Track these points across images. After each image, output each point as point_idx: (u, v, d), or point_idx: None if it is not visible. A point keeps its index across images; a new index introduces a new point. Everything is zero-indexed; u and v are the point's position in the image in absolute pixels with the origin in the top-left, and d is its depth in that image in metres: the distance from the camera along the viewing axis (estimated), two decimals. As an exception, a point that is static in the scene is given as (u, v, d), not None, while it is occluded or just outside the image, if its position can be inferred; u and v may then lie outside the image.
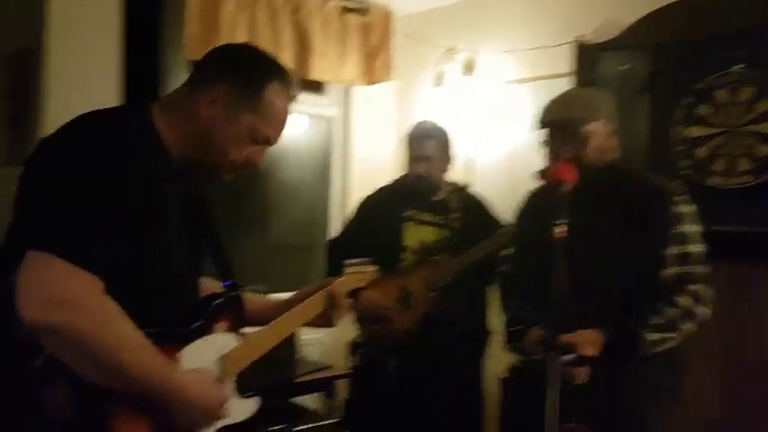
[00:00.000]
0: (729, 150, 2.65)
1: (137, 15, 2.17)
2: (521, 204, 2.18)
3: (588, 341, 1.75)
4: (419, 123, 2.75)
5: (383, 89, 3.97)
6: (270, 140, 1.40)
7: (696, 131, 2.74)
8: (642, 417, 1.82)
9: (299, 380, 2.99)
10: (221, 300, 1.43)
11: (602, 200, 1.89)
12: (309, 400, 3.39)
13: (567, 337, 1.69)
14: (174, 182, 1.32)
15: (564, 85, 3.19)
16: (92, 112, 1.29)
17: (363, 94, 3.96)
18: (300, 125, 4.00)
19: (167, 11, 1.98)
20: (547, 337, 1.59)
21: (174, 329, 1.30)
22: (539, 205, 2.07)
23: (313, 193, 4.07)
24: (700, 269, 1.84)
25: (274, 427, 2.79)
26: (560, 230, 1.66)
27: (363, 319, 2.56)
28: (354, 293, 2.49)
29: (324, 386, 3.20)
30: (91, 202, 1.13)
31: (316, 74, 3.57)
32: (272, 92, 1.35)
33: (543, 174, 1.93)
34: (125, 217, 1.17)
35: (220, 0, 3.16)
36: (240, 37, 3.28)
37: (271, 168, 3.92)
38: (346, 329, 3.81)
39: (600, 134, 1.90)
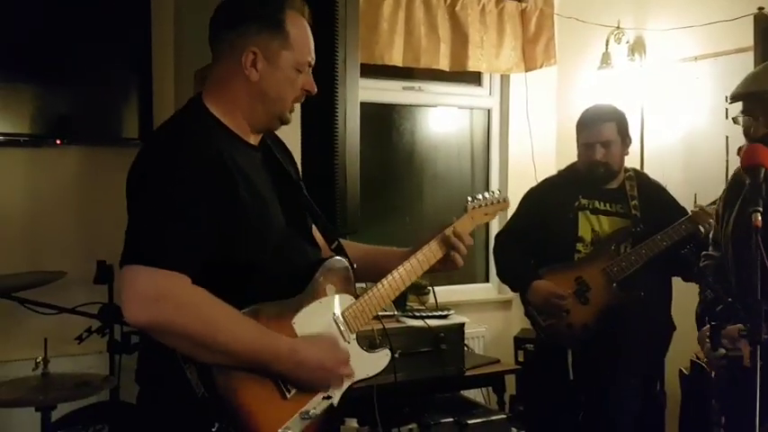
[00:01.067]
0: None
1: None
2: (726, 187, 2.02)
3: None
4: (593, 107, 2.63)
5: (544, 75, 3.87)
6: (311, 63, 1.43)
7: None
8: None
9: (467, 373, 2.99)
10: (326, 263, 1.45)
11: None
12: (478, 395, 3.39)
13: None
14: (244, 152, 1.38)
15: (745, 60, 2.92)
16: (158, 129, 1.42)
17: (523, 82, 3.88)
18: (455, 117, 4.00)
19: (341, 20, 2.06)
20: (751, 330, 1.45)
21: (283, 300, 1.35)
22: (738, 187, 1.90)
23: (468, 186, 4.06)
24: None
25: (446, 420, 2.82)
26: (758, 218, 1.51)
27: (537, 310, 2.50)
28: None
29: (492, 380, 3.17)
30: (159, 209, 1.23)
31: (473, 65, 3.56)
32: (292, 20, 1.39)
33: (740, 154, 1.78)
34: (197, 207, 1.24)
35: (379, 1, 3.25)
36: (399, 35, 3.35)
37: (429, 161, 3.97)
38: (510, 323, 3.79)
39: None
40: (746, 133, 1.79)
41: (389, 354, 1.52)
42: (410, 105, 3.85)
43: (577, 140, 2.55)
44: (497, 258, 2.74)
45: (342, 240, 1.59)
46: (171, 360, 1.23)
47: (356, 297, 1.49)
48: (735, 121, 1.84)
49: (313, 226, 1.54)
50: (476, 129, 4.07)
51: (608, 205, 2.50)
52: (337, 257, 1.49)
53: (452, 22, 3.49)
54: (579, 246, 2.49)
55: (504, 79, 3.95)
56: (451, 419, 2.81)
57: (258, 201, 1.35)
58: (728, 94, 1.83)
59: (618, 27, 3.52)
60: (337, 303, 1.45)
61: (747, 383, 1.43)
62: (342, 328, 1.44)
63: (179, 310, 1.19)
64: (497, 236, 2.79)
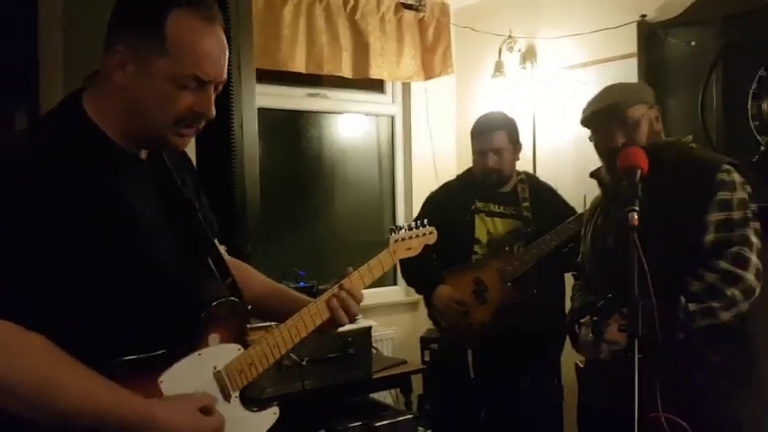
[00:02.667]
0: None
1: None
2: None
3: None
4: (484, 115, 2.73)
5: (443, 83, 3.98)
6: (202, 78, 1.13)
7: (773, 105, 2.62)
8: (709, 399, 1.76)
9: (375, 375, 3.02)
10: (212, 307, 1.22)
11: (655, 182, 1.82)
12: (386, 396, 3.43)
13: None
14: (126, 168, 1.17)
15: (630, 66, 3.12)
16: (17, 135, 1.20)
17: (423, 90, 3.97)
18: (362, 124, 4.05)
19: (233, 22, 2.04)
20: (630, 326, 1.54)
21: (154, 354, 1.13)
22: (610, 192, 2.03)
23: (377, 190, 4.12)
24: (739, 233, 1.76)
25: (354, 424, 2.84)
26: (635, 217, 1.62)
27: (439, 315, 2.57)
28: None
29: (400, 382, 3.22)
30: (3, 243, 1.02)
31: (375, 73, 3.61)
32: (178, 22, 1.11)
33: (600, 172, 1.96)
34: (45, 240, 1.03)
35: (280, 7, 3.24)
36: (300, 42, 3.35)
37: (335, 167, 3.99)
38: (418, 323, 3.86)
39: (648, 117, 1.88)
40: (601, 149, 1.92)
41: (277, 412, 1.32)
42: (316, 112, 3.86)
43: (472, 148, 2.64)
44: (402, 263, 2.79)
45: (246, 271, 1.42)
46: None
47: (246, 346, 1.27)
48: (591, 139, 1.97)
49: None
50: (381, 135, 4.13)
51: (502, 208, 2.60)
52: (228, 299, 1.25)
53: (353, 30, 3.53)
54: (476, 247, 2.58)
55: (406, 87, 4.03)
56: (359, 423, 2.84)
57: (138, 231, 1.14)
58: (582, 118, 1.96)
59: (510, 36, 3.66)
60: (221, 355, 1.23)
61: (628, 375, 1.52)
62: (226, 384, 1.22)
63: (6, 363, 0.99)
64: None
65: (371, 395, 3.22)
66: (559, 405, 2.99)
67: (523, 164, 3.79)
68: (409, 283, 2.87)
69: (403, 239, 1.61)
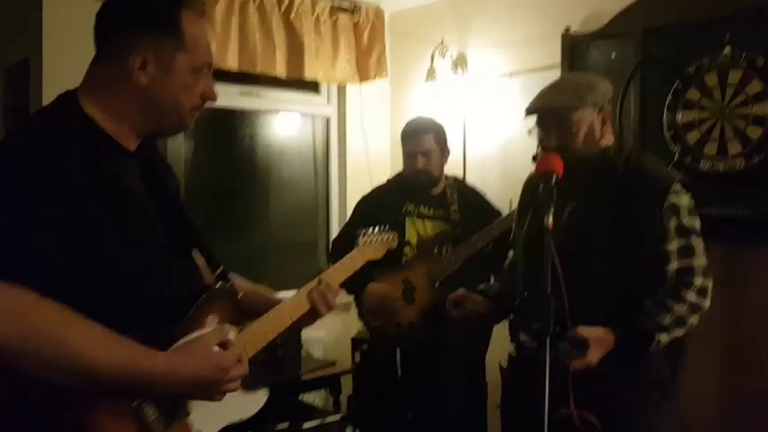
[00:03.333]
0: (720, 134, 2.67)
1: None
2: (521, 192, 2.17)
3: (601, 342, 1.72)
4: (414, 119, 2.78)
5: (377, 86, 4.01)
6: (211, 65, 1.31)
7: (686, 116, 2.76)
8: (639, 410, 1.82)
9: (304, 377, 3.02)
10: (210, 290, 1.32)
11: (593, 190, 1.87)
12: (315, 397, 3.43)
13: (583, 330, 1.69)
14: (122, 161, 1.25)
15: (554, 76, 3.20)
16: (20, 124, 1.24)
17: (358, 92, 4.00)
18: (296, 124, 4.04)
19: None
20: (540, 326, 1.60)
21: (158, 330, 1.20)
22: (533, 193, 2.07)
23: (311, 192, 4.11)
24: (702, 261, 1.81)
25: (282, 425, 2.83)
26: (550, 221, 1.68)
27: (369, 314, 2.59)
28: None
29: (329, 383, 3.23)
30: (18, 216, 1.07)
31: (309, 73, 3.61)
32: (189, 20, 1.26)
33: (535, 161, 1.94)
34: (53, 218, 1.09)
35: (212, 4, 3.20)
36: (233, 40, 3.32)
37: (268, 167, 3.97)
38: (349, 326, 3.87)
39: (589, 121, 1.86)
40: (541, 144, 1.93)
41: (268, 392, 1.43)
42: (250, 111, 3.83)
43: (402, 150, 2.69)
44: (332, 264, 2.81)
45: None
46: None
47: (240, 329, 1.35)
48: (530, 132, 1.98)
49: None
50: (317, 136, 4.13)
51: (431, 210, 2.65)
52: (223, 284, 1.36)
53: (287, 30, 3.52)
54: (407, 249, 2.62)
55: (341, 89, 4.05)
56: (287, 424, 2.83)
57: (138, 217, 1.22)
58: (527, 107, 1.95)
59: (442, 43, 3.72)
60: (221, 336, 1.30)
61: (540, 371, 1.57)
62: None
63: (25, 325, 1.03)
64: (333, 242, 2.87)
65: (300, 397, 3.22)
66: (484, 404, 3.07)
67: (454, 168, 3.86)
68: (341, 284, 2.88)
69: (371, 242, 1.72)
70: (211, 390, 1.21)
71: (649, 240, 1.79)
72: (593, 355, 1.70)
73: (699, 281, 1.79)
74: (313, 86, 4.02)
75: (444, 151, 2.69)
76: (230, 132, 3.81)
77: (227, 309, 1.35)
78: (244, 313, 1.42)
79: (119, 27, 1.24)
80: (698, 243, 1.82)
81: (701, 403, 2.70)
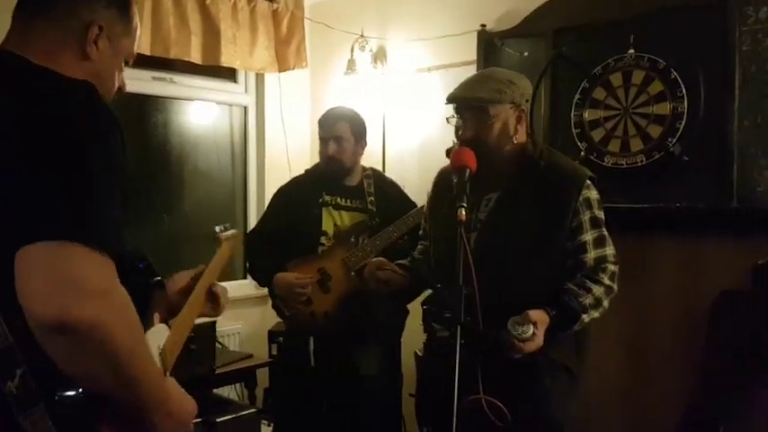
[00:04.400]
0: (623, 132, 2.81)
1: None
2: (433, 185, 2.21)
3: (544, 324, 1.79)
4: (332, 108, 2.78)
5: (297, 76, 3.97)
6: (132, 59, 1.30)
7: (592, 114, 2.89)
8: (548, 397, 1.90)
9: (219, 371, 2.97)
10: (163, 285, 1.32)
11: (513, 183, 1.94)
12: (230, 391, 3.38)
13: (534, 315, 1.75)
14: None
15: (470, 72, 3.28)
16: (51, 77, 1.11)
17: (277, 82, 3.95)
18: (213, 113, 3.95)
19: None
20: (452, 316, 1.64)
21: None
22: (447, 186, 2.11)
23: (229, 181, 4.04)
24: (612, 250, 1.93)
25: (195, 420, 2.77)
26: (463, 213, 1.72)
27: (281, 303, 2.58)
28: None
29: (244, 376, 3.19)
30: (99, 177, 1.00)
31: (226, 60, 3.53)
32: (134, 10, 1.27)
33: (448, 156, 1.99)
34: (117, 187, 1.05)
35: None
36: (146, 24, 3.20)
37: (183, 156, 3.86)
38: (266, 318, 3.84)
39: (505, 117, 1.90)
40: (457, 134, 1.97)
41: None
42: (163, 97, 3.71)
43: (318, 137, 2.68)
44: (249, 256, 2.78)
45: None
46: None
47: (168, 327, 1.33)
48: (448, 121, 2.02)
49: None
50: (234, 125, 4.05)
51: (348, 201, 2.66)
52: (163, 280, 1.33)
53: (203, 15, 3.43)
54: (323, 239, 2.62)
55: (260, 78, 3.99)
56: (199, 420, 2.77)
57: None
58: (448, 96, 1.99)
59: (362, 35, 3.73)
60: (160, 335, 1.26)
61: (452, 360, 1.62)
62: (165, 362, 1.23)
63: (118, 315, 0.94)
64: (249, 234, 2.83)
65: (215, 390, 3.16)
66: (399, 392, 3.12)
67: (373, 161, 3.89)
68: (253, 276, 2.85)
69: (228, 238, 1.70)
70: (187, 424, 1.17)
71: (567, 231, 1.88)
72: (541, 337, 1.77)
73: (611, 267, 1.91)
74: (230, 75, 3.94)
75: (360, 141, 2.70)
76: (142, 119, 3.67)
77: (162, 305, 1.33)
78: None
79: (81, 3, 1.19)
80: (606, 233, 1.94)
81: (606, 374, 2.87)
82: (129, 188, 1.11)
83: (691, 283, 2.72)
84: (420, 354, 3.36)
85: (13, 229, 0.92)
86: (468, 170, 1.82)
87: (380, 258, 2.16)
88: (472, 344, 1.69)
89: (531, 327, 1.74)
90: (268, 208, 2.84)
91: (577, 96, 2.92)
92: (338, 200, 2.67)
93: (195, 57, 3.42)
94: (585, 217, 1.89)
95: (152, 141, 3.73)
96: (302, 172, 2.98)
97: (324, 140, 2.63)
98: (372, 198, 2.65)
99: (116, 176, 1.05)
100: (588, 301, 1.85)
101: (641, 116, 2.78)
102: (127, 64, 1.28)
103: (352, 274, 2.53)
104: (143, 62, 3.40)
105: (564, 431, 1.95)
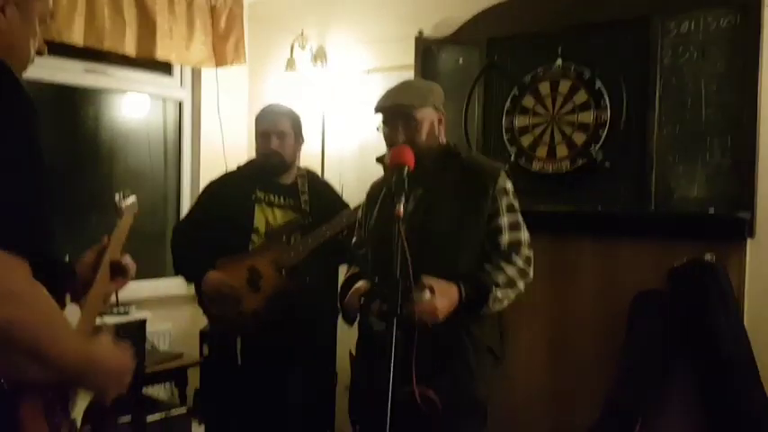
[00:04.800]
0: (550, 138, 2.94)
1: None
2: (366, 196, 2.29)
3: (445, 292, 1.89)
4: (270, 104, 2.78)
5: (235, 72, 3.95)
6: (51, 17, 1.30)
7: (522, 121, 3.01)
8: (474, 376, 2.00)
9: (148, 370, 2.92)
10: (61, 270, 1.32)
11: (437, 179, 2.05)
12: (160, 391, 3.33)
13: (428, 279, 1.84)
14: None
15: (408, 76, 3.36)
16: None
17: (214, 77, 3.91)
18: (145, 107, 3.88)
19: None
20: (388, 308, 1.68)
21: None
22: (381, 188, 2.19)
23: (161, 179, 3.96)
24: (526, 235, 2.07)
25: (124, 418, 2.72)
26: (400, 209, 1.77)
27: (208, 302, 2.53)
28: None
29: (174, 375, 3.15)
30: (7, 171, 0.99)
31: (161, 54, 3.48)
32: None
33: (385, 158, 2.06)
34: (40, 169, 1.05)
35: (55, -25, 2.99)
36: (80, 13, 3.12)
37: (116, 151, 3.77)
38: (197, 317, 3.78)
39: (430, 120, 2.05)
40: (391, 141, 2.06)
41: None
42: (94, 89, 3.61)
43: (256, 132, 2.66)
44: (174, 251, 2.71)
45: None
46: None
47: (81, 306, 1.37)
48: (378, 129, 2.10)
49: None
50: (168, 120, 3.98)
51: (281, 199, 2.65)
52: (68, 263, 1.37)
53: (139, 7, 3.37)
54: (254, 237, 2.59)
55: (196, 72, 3.94)
56: (129, 418, 2.73)
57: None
58: (376, 106, 2.08)
59: (302, 35, 3.74)
60: (73, 316, 1.29)
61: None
62: None
63: (31, 311, 0.96)
64: (175, 228, 2.76)
65: (146, 390, 3.10)
66: (331, 391, 3.13)
67: (312, 161, 3.91)
68: (179, 271, 2.76)
69: (128, 207, 1.70)
70: (124, 381, 1.21)
71: (485, 217, 2.02)
72: (440, 302, 1.86)
73: (525, 251, 2.05)
74: (165, 68, 3.87)
75: (299, 138, 2.70)
76: (72, 111, 3.57)
77: (72, 286, 1.38)
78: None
79: None
80: (521, 220, 2.08)
81: (531, 371, 3.00)
82: (48, 175, 1.09)
83: (611, 285, 2.85)
84: (354, 353, 3.41)
85: None
86: (406, 167, 1.87)
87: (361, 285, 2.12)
88: (407, 336, 1.73)
89: (427, 292, 1.84)
90: (196, 202, 2.77)
91: (508, 104, 3.03)
92: (271, 197, 2.64)
93: (129, 49, 3.36)
94: (502, 203, 2.03)
95: (81, 135, 3.63)
96: (237, 167, 2.96)
97: (265, 135, 2.60)
98: (306, 197, 2.64)
99: (31, 163, 1.03)
100: (501, 278, 1.98)
101: (567, 124, 2.91)
102: (44, 23, 1.23)
103: (283, 273, 2.52)
104: (75, 53, 3.31)
105: (487, 412, 2.04)
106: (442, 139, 2.11)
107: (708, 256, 2.56)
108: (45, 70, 3.27)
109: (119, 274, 1.51)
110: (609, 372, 2.74)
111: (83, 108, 3.61)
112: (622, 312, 2.75)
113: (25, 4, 1.17)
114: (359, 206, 2.52)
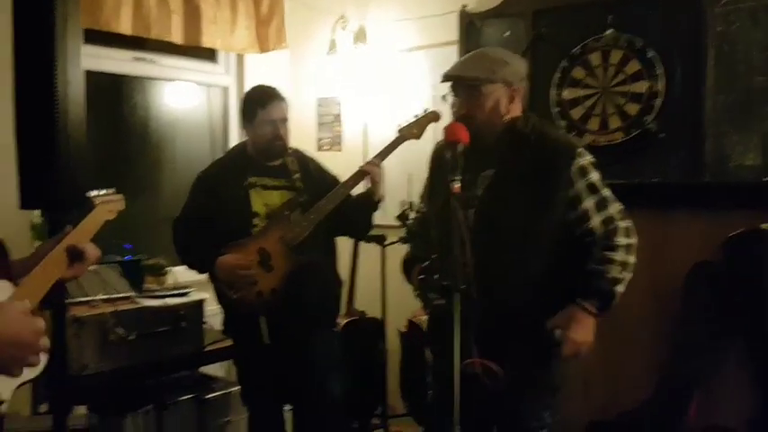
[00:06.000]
0: (602, 110, 2.90)
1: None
2: (430, 161, 2.25)
3: (568, 320, 1.93)
4: (263, 87, 2.71)
5: (277, 57, 3.97)
6: None
7: (571, 93, 2.97)
8: (549, 359, 2.00)
9: (206, 349, 3.00)
10: None
11: (506, 160, 1.99)
12: (218, 369, 3.41)
13: (549, 323, 1.89)
14: None
15: (451, 52, 3.34)
16: None
17: (258, 63, 3.94)
18: (192, 94, 3.94)
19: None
20: (451, 284, 1.70)
21: None
22: (442, 160, 2.11)
23: (208, 163, 4.01)
24: (617, 207, 1.99)
25: (185, 396, 2.80)
26: (456, 186, 1.78)
27: (225, 287, 2.57)
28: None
29: (230, 354, 3.21)
30: None
31: (206, 41, 3.52)
32: None
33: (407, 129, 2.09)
34: None
35: (104, -35, 3.05)
36: (127, 2, 3.18)
37: (162, 137, 3.84)
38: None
39: (496, 96, 1.97)
40: (452, 110, 2.06)
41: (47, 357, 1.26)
42: (143, 78, 3.68)
43: (255, 118, 2.61)
44: (177, 243, 2.73)
45: None
46: None
47: (14, 284, 1.36)
48: (444, 98, 2.08)
49: None
50: (213, 106, 4.04)
51: (275, 181, 2.66)
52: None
53: (184, -6, 3.41)
54: (255, 220, 2.60)
55: (240, 58, 3.97)
56: (190, 396, 2.81)
57: None
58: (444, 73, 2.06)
59: (342, 16, 3.75)
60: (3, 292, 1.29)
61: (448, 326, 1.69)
62: None
63: None
64: (175, 221, 2.75)
65: (203, 369, 3.18)
66: (384, 368, 3.17)
67: (355, 142, 3.93)
68: (188, 264, 2.77)
69: (108, 201, 1.77)
70: (26, 355, 1.11)
71: (565, 202, 1.94)
72: (575, 333, 1.92)
73: (621, 224, 1.96)
74: (210, 55, 3.92)
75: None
76: (122, 99, 3.65)
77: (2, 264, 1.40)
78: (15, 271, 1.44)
79: None
80: (608, 193, 1.99)
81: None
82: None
83: (665, 256, 2.82)
84: (404, 331, 3.46)
85: None
86: (460, 144, 1.87)
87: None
88: (467, 311, 1.75)
89: (557, 332, 1.90)
90: (190, 194, 2.77)
91: (557, 76, 3.00)
92: (265, 180, 2.66)
93: (176, 37, 3.40)
94: (581, 185, 1.94)
95: (131, 122, 3.71)
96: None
97: (272, 122, 2.60)
98: (298, 175, 2.66)
99: None
100: (616, 272, 1.92)
101: (619, 95, 2.87)
102: None
103: (291, 250, 2.56)
104: (123, 42, 3.38)
105: (558, 390, 2.06)
106: (511, 115, 2.02)
107: (764, 226, 2.51)
108: (95, 60, 3.33)
109: (77, 259, 1.55)
110: (662, 344, 2.72)
111: (132, 97, 3.68)
112: (676, 284, 2.72)
113: None
114: (350, 178, 2.57)
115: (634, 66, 2.82)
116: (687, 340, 2.67)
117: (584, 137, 2.93)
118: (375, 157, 2.64)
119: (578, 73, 2.95)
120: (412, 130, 2.63)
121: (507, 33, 3.17)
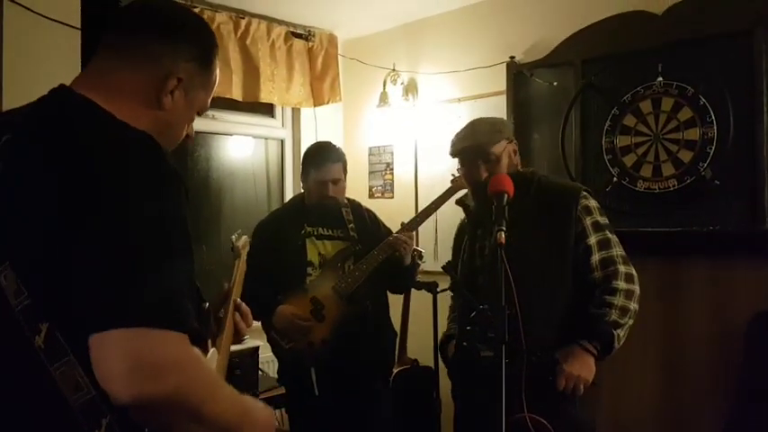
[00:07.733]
0: (654, 157, 2.87)
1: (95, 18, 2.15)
2: (455, 235, 2.39)
3: (567, 356, 1.96)
4: (319, 147, 2.83)
5: (331, 109, 4.12)
6: (206, 109, 1.27)
7: (623, 140, 2.95)
8: (574, 400, 2.00)
9: (261, 397, 3.04)
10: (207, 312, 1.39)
11: (517, 207, 2.01)
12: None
13: (570, 372, 1.92)
14: None
15: (500, 101, 3.40)
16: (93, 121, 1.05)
17: (312, 115, 4.09)
18: (251, 146, 4.10)
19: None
20: (498, 335, 1.70)
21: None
22: (464, 230, 2.29)
23: (265, 214, 4.14)
24: (619, 251, 2.05)
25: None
26: (500, 236, 1.80)
27: (280, 336, 2.61)
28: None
29: (283, 403, 3.25)
30: (151, 240, 0.99)
31: (265, 97, 3.69)
32: (216, 65, 1.23)
33: (466, 199, 2.24)
34: (187, 234, 1.06)
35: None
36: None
37: (224, 188, 3.99)
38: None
39: (507, 152, 2.13)
40: (468, 181, 2.17)
41: None
42: (205, 133, 3.87)
43: (308, 177, 2.72)
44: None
45: None
46: None
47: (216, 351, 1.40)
48: (458, 171, 2.24)
49: None
50: (271, 158, 4.19)
51: (330, 230, 2.72)
52: (208, 307, 1.44)
53: (243, 54, 3.60)
54: (310, 270, 2.66)
55: (296, 112, 4.14)
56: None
57: None
58: (451, 150, 2.20)
59: (393, 69, 3.87)
60: (212, 358, 1.33)
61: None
62: None
63: (196, 380, 0.97)
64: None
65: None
66: (438, 419, 3.13)
67: (406, 189, 3.99)
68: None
69: (243, 247, 1.78)
70: None
71: (572, 239, 2.03)
72: (573, 368, 1.95)
73: (622, 268, 2.02)
74: (267, 110, 4.09)
75: (346, 177, 2.79)
76: (186, 154, 3.83)
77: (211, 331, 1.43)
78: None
79: (160, 38, 1.16)
80: (612, 236, 2.07)
81: (644, 393, 2.93)
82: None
83: (725, 306, 2.74)
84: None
85: (84, 304, 0.93)
86: (506, 195, 1.90)
87: None
88: (514, 363, 1.75)
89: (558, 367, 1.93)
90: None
91: (608, 123, 2.99)
92: (320, 230, 2.72)
93: (236, 94, 3.58)
94: (587, 222, 2.04)
95: (194, 175, 3.88)
96: (282, 205, 3.07)
97: (322, 183, 2.68)
98: (353, 225, 2.72)
99: (183, 231, 1.05)
100: (614, 315, 1.96)
101: (672, 141, 2.83)
102: (199, 115, 1.25)
103: (344, 300, 2.59)
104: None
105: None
106: (517, 166, 2.17)
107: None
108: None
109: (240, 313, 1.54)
110: (725, 396, 2.62)
111: (195, 150, 3.87)
112: (738, 335, 2.63)
113: (193, 93, 1.18)
114: (402, 228, 2.65)
115: (686, 113, 2.79)
116: (752, 390, 2.56)
117: (637, 184, 2.90)
118: (410, 221, 2.73)
119: (629, 120, 2.94)
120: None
121: (555, 83, 3.20)
